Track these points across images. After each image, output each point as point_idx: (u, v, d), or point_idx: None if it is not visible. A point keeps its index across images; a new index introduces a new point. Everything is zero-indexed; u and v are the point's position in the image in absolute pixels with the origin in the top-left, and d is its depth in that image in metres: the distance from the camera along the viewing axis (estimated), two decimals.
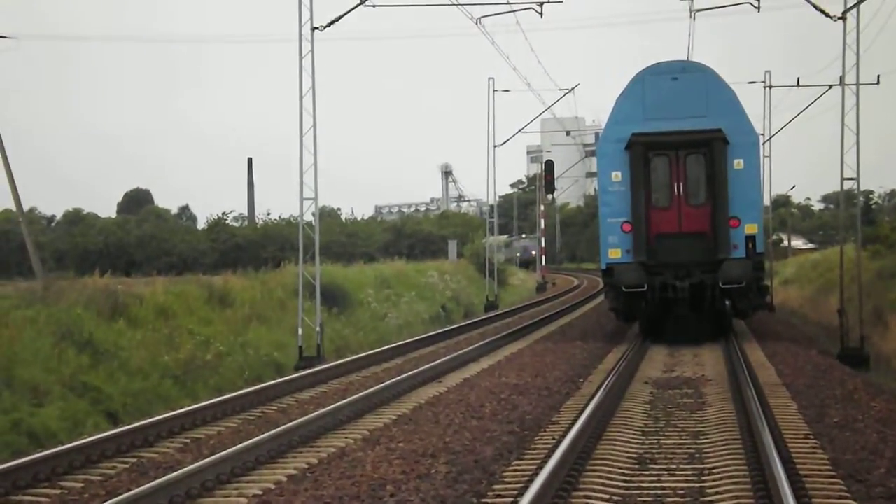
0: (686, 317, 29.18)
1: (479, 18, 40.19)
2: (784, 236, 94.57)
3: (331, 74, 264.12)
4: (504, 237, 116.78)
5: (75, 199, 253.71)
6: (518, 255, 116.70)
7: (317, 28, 30.48)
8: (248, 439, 14.96)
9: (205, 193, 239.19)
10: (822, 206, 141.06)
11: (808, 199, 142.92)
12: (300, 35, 30.18)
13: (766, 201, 53.07)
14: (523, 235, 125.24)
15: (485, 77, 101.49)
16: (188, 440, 16.30)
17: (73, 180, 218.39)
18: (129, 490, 12.20)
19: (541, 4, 37.57)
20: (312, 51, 30.28)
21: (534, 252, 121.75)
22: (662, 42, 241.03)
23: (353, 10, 31.66)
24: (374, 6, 32.01)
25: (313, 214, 31.45)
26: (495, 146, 60.21)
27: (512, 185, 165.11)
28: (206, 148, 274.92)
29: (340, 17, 31.33)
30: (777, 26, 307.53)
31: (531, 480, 12.02)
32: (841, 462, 13.34)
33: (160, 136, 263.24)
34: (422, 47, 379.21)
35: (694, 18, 41.70)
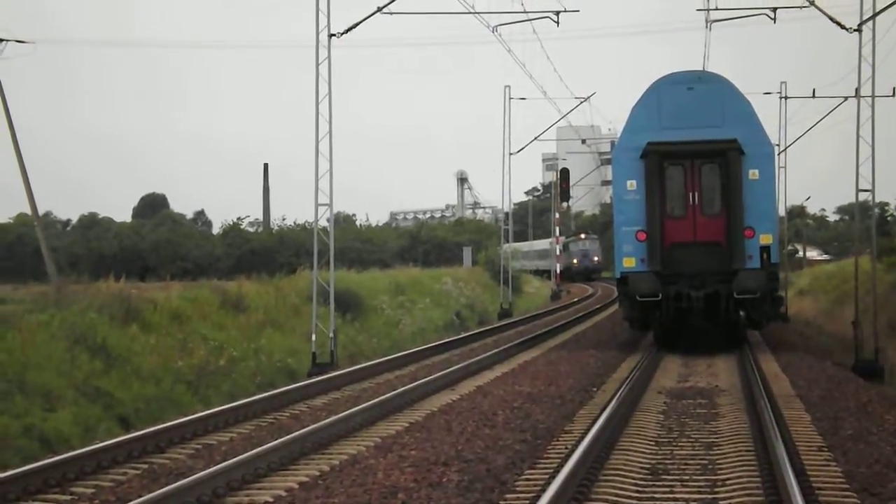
0: (700, 327, 29.11)
1: (496, 26, 40.17)
2: (799, 247, 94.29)
3: (347, 80, 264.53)
4: (563, 239, 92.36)
5: (91, 204, 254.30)
6: (575, 261, 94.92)
7: (334, 35, 30.53)
8: (260, 446, 14.96)
9: (220, 199, 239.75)
10: (837, 217, 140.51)
11: (824, 209, 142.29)
12: (317, 41, 30.23)
13: (781, 212, 52.96)
14: (582, 235, 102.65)
15: (501, 85, 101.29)
16: (200, 446, 16.29)
17: (89, 185, 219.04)
18: (140, 496, 12.19)
19: (557, 13, 37.57)
20: (329, 57, 30.34)
21: (597, 258, 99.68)
22: (678, 52, 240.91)
23: (370, 18, 31.76)
24: (391, 13, 32.09)
25: (328, 220, 31.45)
26: (511, 154, 60.25)
27: (527, 193, 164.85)
28: (222, 153, 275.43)
29: (357, 25, 31.38)
30: (793, 37, 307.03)
31: (543, 490, 11.98)
32: (855, 475, 13.27)
33: (176, 142, 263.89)
34: (438, 54, 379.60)
35: (710, 28, 41.51)
